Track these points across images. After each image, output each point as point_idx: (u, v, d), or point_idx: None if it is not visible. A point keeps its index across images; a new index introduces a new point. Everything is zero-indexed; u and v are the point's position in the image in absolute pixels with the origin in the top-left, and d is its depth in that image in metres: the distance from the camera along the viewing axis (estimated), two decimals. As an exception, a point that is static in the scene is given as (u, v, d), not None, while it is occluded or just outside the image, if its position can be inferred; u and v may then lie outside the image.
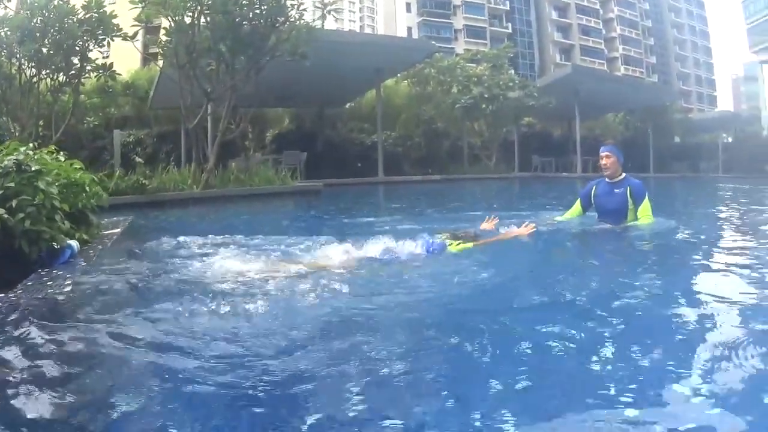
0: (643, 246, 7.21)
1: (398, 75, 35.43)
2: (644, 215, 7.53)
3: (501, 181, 31.90)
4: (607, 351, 3.20)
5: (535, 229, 6.84)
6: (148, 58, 25.51)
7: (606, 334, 3.48)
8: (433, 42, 39.42)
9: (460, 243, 5.83)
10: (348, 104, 37.41)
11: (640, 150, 43.40)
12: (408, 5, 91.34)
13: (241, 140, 24.86)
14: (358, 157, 30.69)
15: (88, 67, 16.63)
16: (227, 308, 3.83)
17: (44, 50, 15.76)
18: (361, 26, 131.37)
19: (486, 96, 34.38)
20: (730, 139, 64.79)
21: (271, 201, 16.88)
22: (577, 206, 8.19)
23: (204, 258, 5.54)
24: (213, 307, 3.84)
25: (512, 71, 46.52)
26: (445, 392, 2.70)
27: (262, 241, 6.80)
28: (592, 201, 7.98)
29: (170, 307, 3.84)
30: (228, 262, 5.25)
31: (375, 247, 5.62)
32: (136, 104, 30.16)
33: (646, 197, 7.59)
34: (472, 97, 34.12)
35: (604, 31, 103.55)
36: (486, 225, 6.93)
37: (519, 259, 6.12)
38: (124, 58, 19.80)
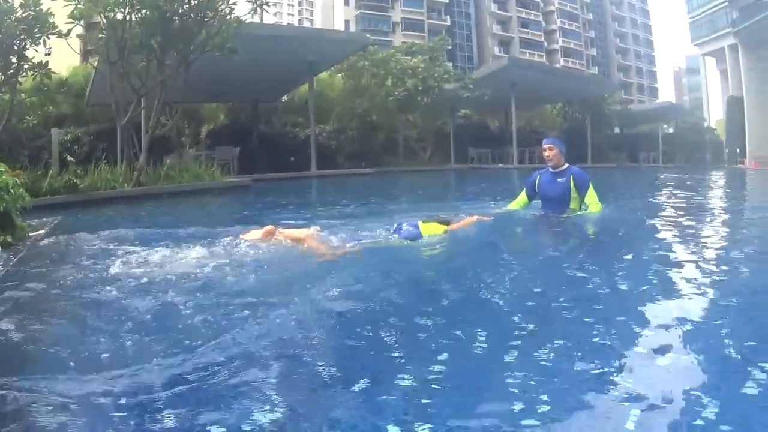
0: (587, 235, 7.85)
1: (332, 68, 35.73)
2: (592, 202, 8.06)
3: (436, 173, 32.61)
4: (531, 343, 3.32)
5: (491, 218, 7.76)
6: (87, 55, 25.36)
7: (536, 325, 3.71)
8: (368, 35, 39.58)
9: (432, 227, 6.45)
10: (282, 98, 37.58)
11: (578, 140, 44.49)
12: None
13: (177, 136, 24.91)
14: (292, 151, 30.92)
15: (26, 66, 16.59)
16: (145, 313, 3.86)
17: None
18: (299, 20, 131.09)
19: (420, 88, 34.95)
20: (671, 130, 65.94)
21: (199, 197, 16.97)
22: (523, 196, 8.74)
23: (122, 258, 5.48)
24: (127, 313, 3.84)
25: (450, 64, 47.06)
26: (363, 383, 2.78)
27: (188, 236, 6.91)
28: (537, 190, 8.51)
29: (83, 314, 3.87)
30: (147, 260, 5.32)
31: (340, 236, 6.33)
32: (74, 102, 29.99)
33: (591, 185, 8.14)
34: (406, 89, 34.68)
35: (544, 24, 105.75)
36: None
37: (470, 249, 6.62)
38: (67, 56, 19.80)
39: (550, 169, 8.34)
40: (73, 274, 4.97)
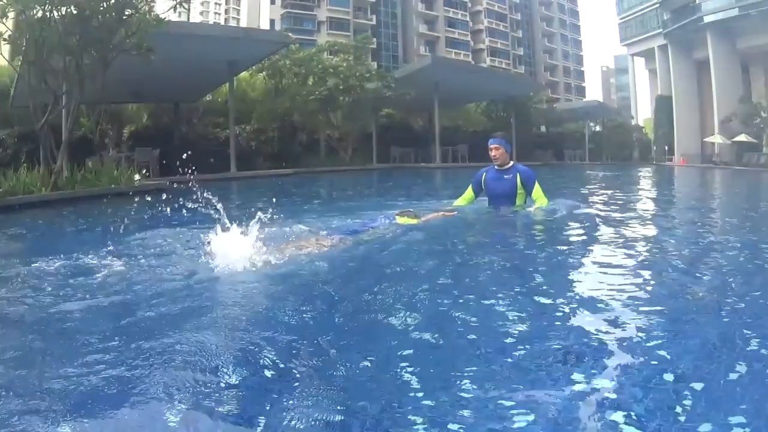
0: (535, 229, 8.28)
1: (253, 68, 35.78)
2: (538, 197, 8.59)
3: (358, 173, 33.06)
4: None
5: (454, 213, 8.51)
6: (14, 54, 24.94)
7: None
8: (290, 34, 39.93)
9: (405, 218, 7.34)
10: (204, 98, 37.36)
11: (503, 139, 45.00)
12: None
13: (100, 138, 24.63)
14: (213, 152, 30.81)
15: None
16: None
17: None
18: (226, 18, 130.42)
19: (341, 87, 35.29)
20: (598, 128, 67.28)
21: (114, 202, 16.79)
22: (469, 191, 9.16)
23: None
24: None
25: (374, 63, 47.34)
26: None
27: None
28: (483, 186, 8.93)
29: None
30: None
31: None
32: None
33: (536, 181, 8.64)
34: (327, 88, 34.83)
35: (471, 24, 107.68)
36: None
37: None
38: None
39: (497, 167, 8.79)
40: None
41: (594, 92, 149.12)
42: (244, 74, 36.14)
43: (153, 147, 26.95)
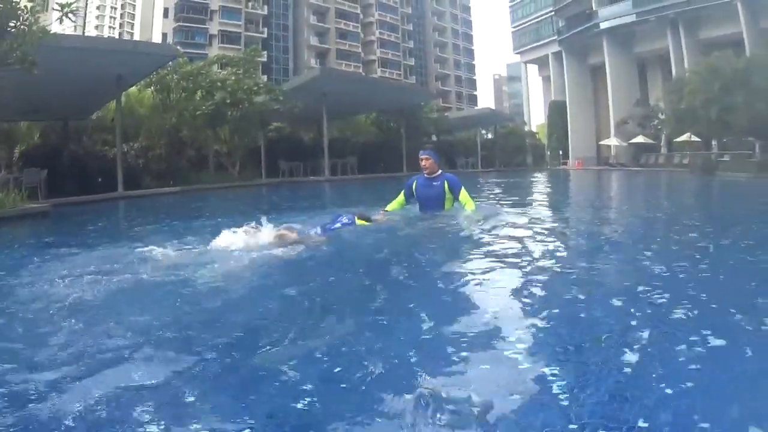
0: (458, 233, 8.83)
1: (142, 83, 35.13)
2: (466, 201, 9.49)
3: (245, 188, 33.12)
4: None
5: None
6: None
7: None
8: (178, 47, 39.49)
9: (362, 221, 8.49)
10: (93, 115, 36.52)
11: (393, 149, 45.76)
12: (166, 11, 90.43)
13: None
14: (101, 171, 30.19)
15: None
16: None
17: None
18: (120, 33, 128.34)
19: (229, 101, 35.06)
20: (490, 136, 68.44)
21: None
22: (401, 197, 10.10)
23: None
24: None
25: (264, 76, 47.11)
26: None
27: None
28: (414, 192, 9.89)
29: None
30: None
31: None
32: None
33: (462, 187, 9.57)
34: (215, 103, 34.58)
35: (362, 35, 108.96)
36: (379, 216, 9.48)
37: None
38: None
39: (426, 175, 9.76)
40: None
41: (486, 100, 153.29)
42: (132, 90, 35.40)
43: (42, 167, 26.35)
